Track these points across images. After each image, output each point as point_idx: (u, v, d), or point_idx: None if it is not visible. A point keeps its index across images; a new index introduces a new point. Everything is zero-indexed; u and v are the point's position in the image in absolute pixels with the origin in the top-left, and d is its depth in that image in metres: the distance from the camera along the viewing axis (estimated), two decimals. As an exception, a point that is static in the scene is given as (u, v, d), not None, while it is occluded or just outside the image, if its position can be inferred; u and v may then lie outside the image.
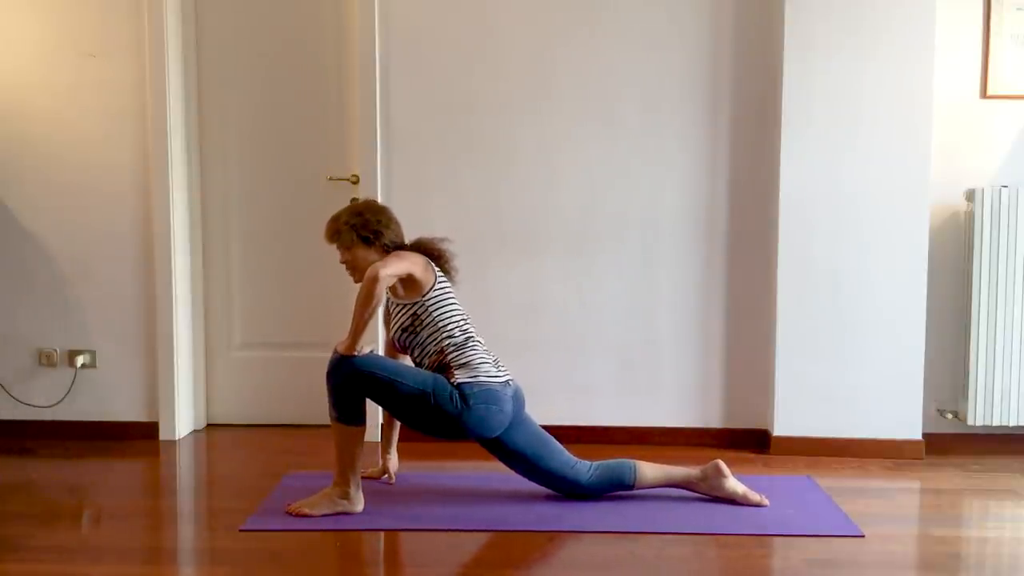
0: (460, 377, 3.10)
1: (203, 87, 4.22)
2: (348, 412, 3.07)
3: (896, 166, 3.80)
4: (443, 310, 3.18)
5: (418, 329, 3.18)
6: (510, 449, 3.21)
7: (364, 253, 3.19)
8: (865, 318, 3.84)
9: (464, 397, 3.07)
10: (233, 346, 4.34)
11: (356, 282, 3.25)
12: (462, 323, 3.21)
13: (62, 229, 4.10)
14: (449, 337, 3.17)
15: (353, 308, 3.05)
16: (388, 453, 3.51)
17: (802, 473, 3.64)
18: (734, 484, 3.24)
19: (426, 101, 3.99)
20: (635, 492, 3.26)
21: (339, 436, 3.10)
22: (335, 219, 3.25)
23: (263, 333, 4.31)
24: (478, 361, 3.15)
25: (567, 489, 3.24)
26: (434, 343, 3.17)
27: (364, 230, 3.19)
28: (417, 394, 3.05)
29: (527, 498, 3.27)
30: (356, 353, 3.05)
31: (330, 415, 3.09)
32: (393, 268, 3.05)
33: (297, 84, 4.19)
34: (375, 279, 2.99)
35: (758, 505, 3.20)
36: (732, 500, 3.22)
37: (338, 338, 3.40)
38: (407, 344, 3.23)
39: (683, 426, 4.03)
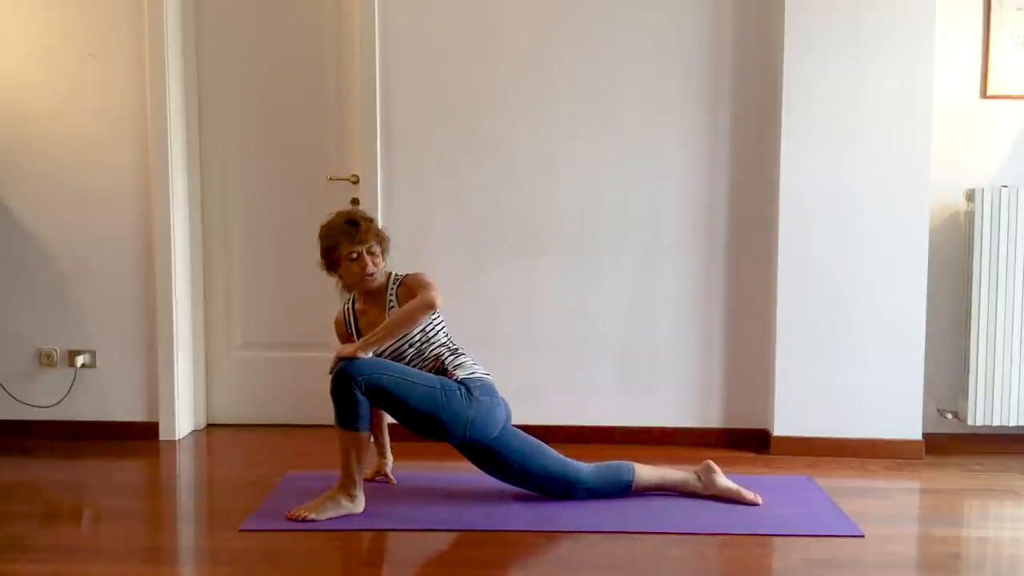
0: (461, 374, 3.19)
1: (203, 87, 4.22)
2: (354, 417, 3.07)
3: (896, 166, 3.80)
4: (441, 325, 3.31)
5: (421, 344, 3.24)
6: (505, 453, 3.21)
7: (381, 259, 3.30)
8: (865, 318, 3.84)
9: (469, 390, 3.14)
10: (233, 346, 4.34)
11: (365, 285, 3.25)
12: (452, 336, 3.34)
13: (62, 229, 4.10)
14: (444, 346, 3.28)
15: (397, 316, 3.12)
16: (384, 458, 3.53)
17: (802, 473, 3.64)
18: (728, 481, 3.27)
19: (426, 101, 3.99)
20: (633, 494, 3.26)
21: (345, 440, 3.10)
22: (367, 219, 3.27)
23: (263, 333, 4.31)
24: (470, 364, 3.28)
25: (564, 490, 3.24)
26: (433, 354, 3.25)
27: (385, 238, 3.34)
28: (426, 391, 3.09)
29: (527, 498, 3.27)
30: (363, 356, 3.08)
31: (336, 420, 3.09)
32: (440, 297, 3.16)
33: (297, 84, 4.20)
34: (433, 306, 3.10)
35: (752, 503, 3.21)
36: (728, 497, 3.23)
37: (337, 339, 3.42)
38: (405, 356, 3.24)
39: (683, 426, 4.03)
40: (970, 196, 3.84)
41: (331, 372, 3.08)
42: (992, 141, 3.93)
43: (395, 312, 3.16)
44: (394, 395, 3.07)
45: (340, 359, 3.08)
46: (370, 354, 3.10)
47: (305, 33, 4.18)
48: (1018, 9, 3.88)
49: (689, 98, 3.94)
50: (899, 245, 3.81)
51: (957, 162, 3.91)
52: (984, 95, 3.92)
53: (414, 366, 3.22)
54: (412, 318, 3.12)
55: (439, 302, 3.11)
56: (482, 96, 3.98)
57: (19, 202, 4.11)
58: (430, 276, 3.25)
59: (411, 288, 3.22)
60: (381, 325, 3.15)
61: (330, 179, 4.17)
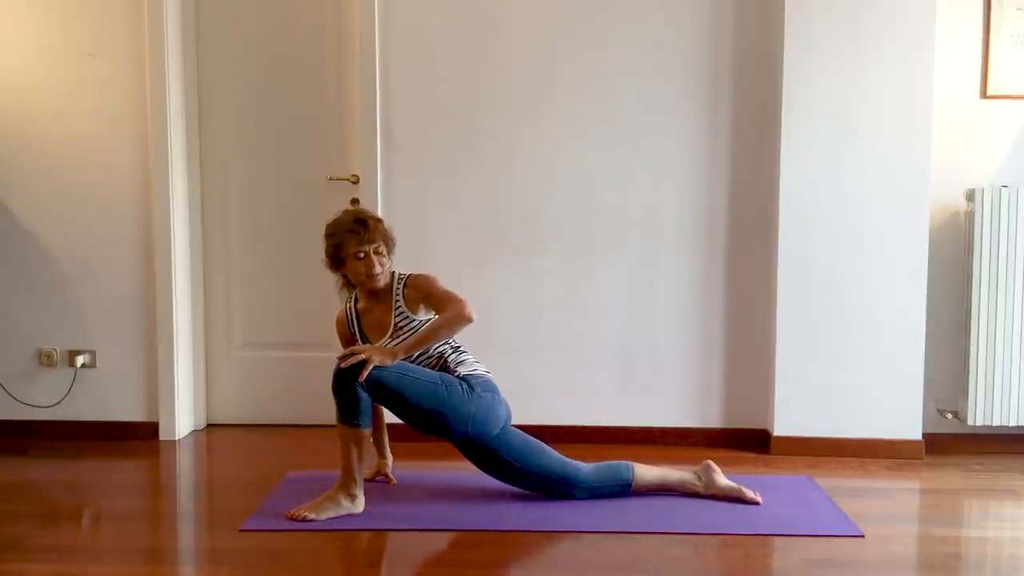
0: (463, 371, 3.21)
1: (203, 87, 4.22)
2: (355, 412, 3.07)
3: (896, 166, 3.80)
4: None
5: None
6: (505, 452, 3.22)
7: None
8: (865, 318, 3.84)
9: (471, 386, 3.16)
10: (233, 346, 4.34)
11: (370, 284, 3.23)
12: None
13: (62, 229, 4.10)
14: (447, 343, 3.28)
15: (433, 326, 3.13)
16: (384, 458, 3.53)
17: (802, 473, 3.64)
18: (728, 480, 3.27)
19: (426, 101, 3.99)
20: (633, 493, 3.27)
21: (345, 437, 3.10)
22: (376, 218, 3.27)
23: (263, 333, 4.31)
24: (472, 361, 3.29)
25: (564, 490, 3.24)
26: (436, 352, 3.25)
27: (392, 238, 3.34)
28: (427, 386, 3.10)
29: (526, 498, 3.27)
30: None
31: (337, 416, 3.10)
32: None
33: (297, 84, 4.20)
34: (471, 320, 3.10)
35: (752, 502, 3.21)
36: (730, 496, 3.24)
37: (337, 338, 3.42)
38: (408, 354, 3.24)
39: (683, 426, 4.03)
40: (970, 196, 3.84)
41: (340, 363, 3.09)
42: (992, 141, 3.93)
43: (433, 322, 3.16)
44: (395, 390, 3.08)
45: (347, 361, 3.05)
46: (399, 359, 3.11)
47: (305, 33, 4.18)
48: (1018, 9, 3.88)
49: (689, 98, 3.94)
50: (899, 245, 3.81)
51: (957, 162, 3.91)
52: (984, 95, 3.92)
53: (417, 363, 3.22)
54: (450, 330, 3.13)
55: (475, 316, 3.12)
56: (482, 96, 3.98)
57: (19, 202, 4.11)
58: (440, 279, 3.25)
59: (423, 291, 3.22)
60: (417, 334, 3.15)
61: (330, 179, 4.17)
